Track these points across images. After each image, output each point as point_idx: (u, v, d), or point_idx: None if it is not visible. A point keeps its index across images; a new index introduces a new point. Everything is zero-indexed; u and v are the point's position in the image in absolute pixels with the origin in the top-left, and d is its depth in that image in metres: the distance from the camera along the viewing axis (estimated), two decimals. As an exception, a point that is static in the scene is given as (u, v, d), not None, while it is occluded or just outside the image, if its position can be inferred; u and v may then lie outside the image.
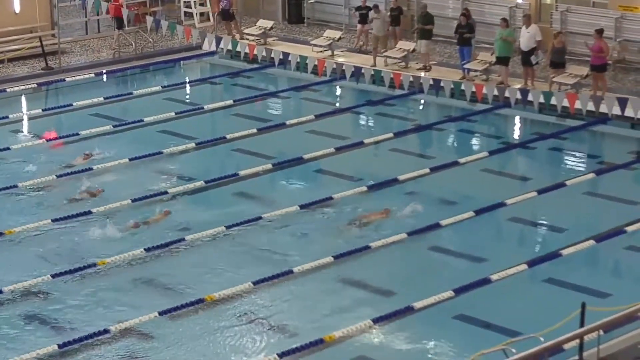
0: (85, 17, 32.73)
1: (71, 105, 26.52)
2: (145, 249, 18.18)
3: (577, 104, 22.19)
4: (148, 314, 15.97)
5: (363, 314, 15.96)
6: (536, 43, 26.20)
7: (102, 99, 26.96)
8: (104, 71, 29.55)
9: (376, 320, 15.72)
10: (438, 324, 15.83)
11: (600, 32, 25.54)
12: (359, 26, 30.28)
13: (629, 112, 21.94)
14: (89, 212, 19.80)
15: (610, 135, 24.19)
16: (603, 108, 22.23)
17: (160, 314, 16.00)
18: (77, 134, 24.28)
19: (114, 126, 24.92)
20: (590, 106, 22.21)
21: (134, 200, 20.35)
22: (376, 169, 22.28)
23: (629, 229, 18.86)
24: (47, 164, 22.60)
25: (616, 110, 22.04)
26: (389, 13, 30.11)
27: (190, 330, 15.76)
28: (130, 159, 22.61)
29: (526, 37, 26.27)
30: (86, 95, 27.22)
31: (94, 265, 17.67)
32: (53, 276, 17.22)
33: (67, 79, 28.63)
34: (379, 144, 23.86)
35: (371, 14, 29.04)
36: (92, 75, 29.12)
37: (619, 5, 27.85)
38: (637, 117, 22.35)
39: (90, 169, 22.06)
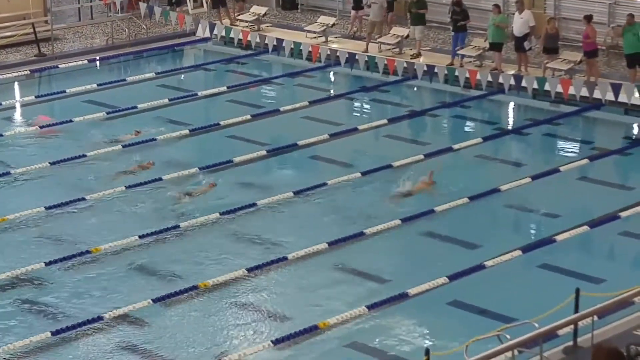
0: (78, 3, 32.61)
1: (64, 92, 26.46)
2: (139, 236, 18.16)
3: (571, 90, 22.21)
4: (142, 301, 15.96)
5: (357, 301, 15.97)
6: (529, 29, 26.17)
7: (95, 85, 26.90)
8: (97, 58, 29.48)
9: (370, 307, 15.72)
10: (432, 310, 15.83)
11: (588, 18, 25.50)
12: (352, 12, 30.23)
13: (622, 98, 21.98)
14: (82, 199, 19.77)
15: (604, 121, 24.20)
16: (596, 94, 22.24)
17: (154, 301, 15.98)
18: (71, 121, 24.22)
19: (107, 113, 24.87)
20: (584, 92, 22.24)
21: (127, 187, 20.29)
22: (370, 155, 22.26)
23: (623, 214, 18.88)
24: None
25: (609, 96, 22.08)
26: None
27: (184, 318, 15.75)
28: (124, 146, 22.56)
29: (519, 23, 26.23)
30: (79, 82, 27.15)
31: (88, 252, 17.65)
32: (47, 263, 17.20)
33: (60, 66, 28.55)
34: (373, 130, 23.83)
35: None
36: (85, 62, 29.05)
37: (613, -9, 27.85)
38: (631, 103, 22.38)
39: (84, 155, 21.97)
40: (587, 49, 25.28)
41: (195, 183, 20.32)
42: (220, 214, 19.12)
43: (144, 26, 30.94)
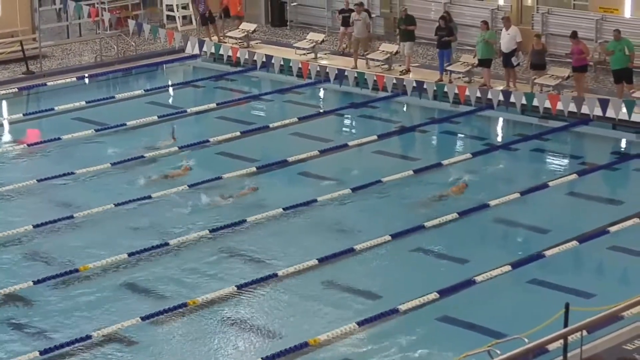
0: (67, 20, 32.61)
1: (53, 109, 26.43)
2: (128, 254, 18.11)
3: (559, 105, 22.24)
4: (130, 319, 15.91)
5: (348, 317, 15.95)
6: (517, 45, 26.26)
7: (84, 103, 26.88)
8: (86, 75, 29.47)
9: (361, 323, 15.70)
10: (423, 326, 15.81)
11: (574, 35, 25.55)
12: (341, 29, 30.28)
13: (610, 113, 22.02)
14: (70, 217, 19.74)
15: (592, 136, 24.25)
16: (584, 109, 22.29)
17: (143, 318, 15.93)
18: (59, 139, 24.19)
19: (96, 130, 24.84)
20: (572, 107, 22.27)
21: (117, 205, 20.26)
22: (360, 171, 22.26)
23: (612, 229, 18.90)
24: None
25: (597, 111, 22.11)
26: (372, 16, 30.19)
27: (173, 335, 15.71)
28: (112, 164, 22.53)
29: (506, 39, 26.32)
30: (68, 99, 27.12)
31: (76, 270, 17.59)
32: (35, 282, 17.14)
33: (48, 83, 28.53)
34: (363, 146, 23.84)
35: (353, 15, 29.03)
36: (74, 79, 29.03)
37: (599, 7, 27.94)
38: (618, 118, 22.43)
39: (72, 172, 21.95)
40: (578, 64, 25.34)
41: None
42: (210, 231, 19.09)
43: (133, 43, 30.95)
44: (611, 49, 24.96)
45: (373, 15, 30.93)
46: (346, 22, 29.92)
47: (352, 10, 29.67)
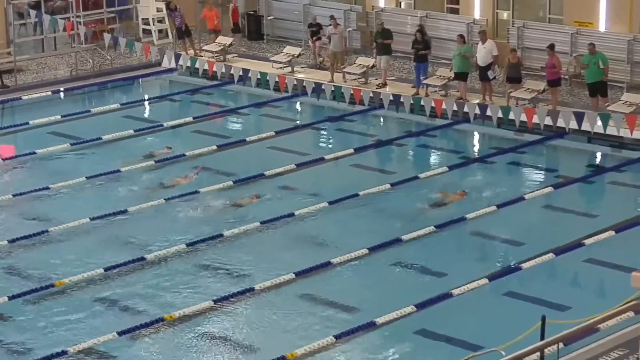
0: (42, 34, 32.51)
1: (28, 123, 26.32)
2: (104, 269, 18.04)
3: (535, 119, 22.34)
4: (107, 334, 15.83)
5: (325, 331, 15.93)
6: (493, 58, 26.38)
7: (59, 117, 26.79)
8: (61, 89, 29.38)
9: (338, 337, 15.69)
10: (400, 339, 15.82)
11: (551, 47, 25.75)
12: (311, 43, 30.43)
13: (585, 127, 22.13)
14: (46, 232, 19.65)
15: (568, 149, 24.36)
16: (560, 122, 22.39)
17: (119, 333, 15.86)
18: (34, 153, 24.10)
19: (72, 144, 24.76)
20: (548, 121, 22.37)
21: (92, 219, 20.19)
22: (337, 185, 22.27)
23: (587, 242, 18.97)
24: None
25: (573, 125, 22.22)
26: (348, 29, 30.27)
27: (150, 350, 15.65)
28: (88, 177, 22.45)
29: (483, 53, 26.43)
30: (43, 113, 27.03)
31: (52, 285, 17.50)
32: (10, 297, 17.04)
33: (23, 97, 28.43)
34: (340, 159, 23.86)
35: (329, 29, 29.09)
36: (49, 93, 28.94)
37: (574, 21, 28.10)
38: (594, 131, 22.55)
39: (47, 187, 21.87)
40: (551, 78, 25.49)
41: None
42: (187, 245, 19.05)
43: (109, 57, 30.89)
44: (586, 63, 25.11)
45: (349, 29, 31.02)
46: (315, 36, 30.00)
47: (320, 25, 29.80)
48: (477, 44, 27.10)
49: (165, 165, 23.43)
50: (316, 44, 30.13)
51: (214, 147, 24.55)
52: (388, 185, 21.92)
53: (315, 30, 30.23)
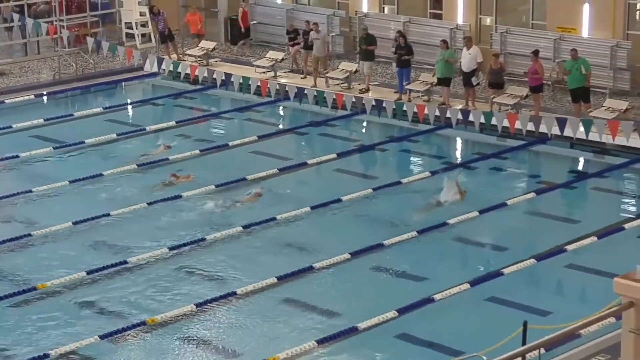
0: (25, 38, 32.44)
1: (11, 127, 26.26)
2: (86, 272, 18.01)
3: (517, 124, 22.40)
4: (89, 337, 15.81)
5: (307, 335, 15.93)
6: (477, 64, 26.44)
7: (42, 120, 26.74)
8: (44, 93, 29.31)
9: (320, 341, 15.69)
10: (382, 344, 15.83)
11: (536, 53, 25.85)
12: (290, 49, 30.53)
13: (567, 132, 22.21)
14: (29, 235, 19.61)
15: (550, 155, 24.44)
16: (542, 128, 22.47)
17: (101, 337, 15.84)
18: (17, 156, 24.04)
19: (55, 148, 24.72)
20: (530, 126, 22.44)
21: (75, 223, 20.15)
22: (320, 190, 22.29)
23: (569, 247, 19.02)
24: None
25: (555, 130, 22.31)
26: (332, 34, 30.32)
27: (132, 354, 15.62)
28: (71, 181, 22.41)
29: (467, 59, 26.49)
30: (26, 117, 26.97)
31: (34, 289, 17.46)
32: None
33: (6, 101, 28.36)
34: (323, 164, 23.88)
35: (312, 34, 29.11)
36: (32, 97, 28.87)
37: (557, 27, 28.21)
38: (576, 137, 22.63)
39: (30, 191, 21.83)
40: (534, 84, 25.58)
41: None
42: (169, 249, 19.03)
43: (92, 61, 30.84)
44: (568, 68, 25.19)
45: (332, 34, 31.07)
46: (293, 42, 30.14)
47: (297, 31, 29.97)
48: (461, 49, 27.18)
49: (148, 170, 23.40)
50: (294, 48, 30.26)
51: (197, 151, 24.53)
52: (370, 190, 21.95)
53: (293, 37, 30.39)
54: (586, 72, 25.02)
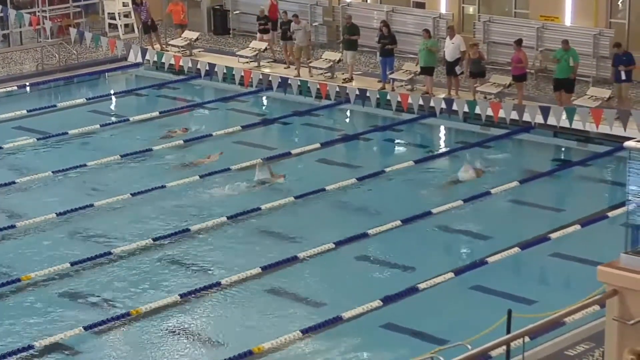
0: (7, 29, 32.29)
1: (-7, 118, 26.20)
2: (70, 263, 17.97)
3: (501, 113, 22.42)
4: (73, 328, 15.78)
5: (292, 325, 15.94)
6: (460, 54, 26.45)
7: (25, 111, 26.64)
8: (27, 84, 29.20)
9: (305, 331, 15.70)
10: (367, 333, 15.85)
11: (519, 42, 25.86)
12: (258, 35, 30.52)
13: (551, 121, 22.24)
14: (12, 226, 19.55)
15: (534, 144, 24.48)
16: (526, 117, 22.49)
17: (86, 328, 15.81)
18: (0, 148, 23.96)
19: (38, 139, 24.64)
20: (514, 115, 22.46)
21: (58, 214, 20.10)
22: (304, 179, 22.28)
23: (553, 236, 19.07)
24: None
25: (539, 119, 22.34)
26: (313, 24, 30.29)
27: (116, 345, 15.60)
28: (54, 172, 22.35)
29: (451, 48, 26.50)
30: (9, 108, 26.88)
31: (18, 280, 17.42)
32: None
33: (-11, 92, 28.27)
34: (306, 154, 23.86)
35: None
36: (15, 88, 28.75)
37: (540, 16, 28.24)
38: (560, 126, 22.67)
39: (13, 182, 21.78)
40: (517, 73, 25.60)
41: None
42: (153, 240, 19.00)
43: (75, 52, 30.73)
44: (558, 57, 25.15)
45: (315, 24, 31.04)
46: (264, 31, 30.31)
47: (267, 18, 30.21)
48: (444, 38, 27.18)
49: (131, 161, 23.35)
50: (263, 37, 30.28)
51: (181, 141, 24.49)
52: (354, 180, 21.95)
53: (264, 22, 30.40)
54: (574, 64, 25.02)
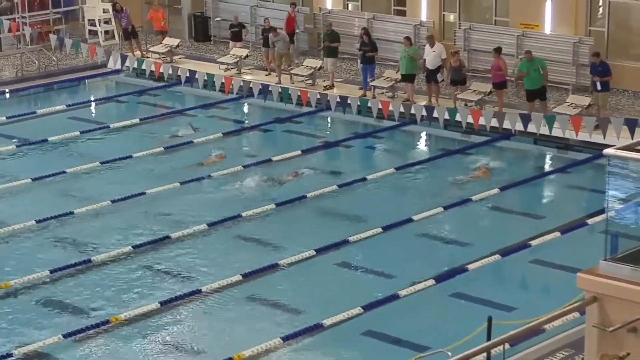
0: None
1: (-27, 125, 26.09)
2: (49, 271, 17.89)
3: (481, 120, 22.48)
4: (52, 336, 15.70)
5: (272, 332, 15.91)
6: (442, 62, 26.51)
7: (4, 118, 26.54)
8: (7, 90, 29.09)
9: (285, 338, 15.68)
10: (347, 340, 15.84)
11: (498, 50, 25.93)
12: (231, 43, 30.52)
13: (531, 128, 22.30)
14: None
15: (514, 151, 24.54)
16: (506, 124, 22.55)
17: (65, 336, 15.74)
18: (-20, 154, 23.91)
19: (17, 146, 24.55)
20: (494, 122, 22.52)
21: (38, 222, 20.01)
22: (284, 187, 22.25)
23: (533, 243, 19.11)
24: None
25: (519, 126, 22.39)
26: (297, 30, 30.33)
27: (96, 353, 15.53)
28: (34, 179, 22.26)
29: (432, 56, 26.54)
30: (-12, 114, 26.80)
31: (-3, 287, 17.36)
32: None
33: (-32, 99, 28.15)
34: (287, 161, 23.84)
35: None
36: (-6, 94, 28.68)
37: (520, 23, 28.33)
38: (540, 133, 22.74)
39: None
40: (497, 80, 25.66)
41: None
42: (133, 247, 18.94)
43: (55, 58, 30.64)
44: (525, 70, 25.16)
45: (297, 31, 31.04)
46: (236, 37, 30.63)
47: (242, 25, 30.64)
48: (424, 45, 27.23)
49: (112, 169, 23.29)
50: (236, 44, 30.31)
51: (161, 148, 24.44)
52: (335, 187, 21.94)
53: (237, 30, 30.46)
54: (543, 71, 25.08)
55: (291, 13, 30.87)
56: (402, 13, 30.58)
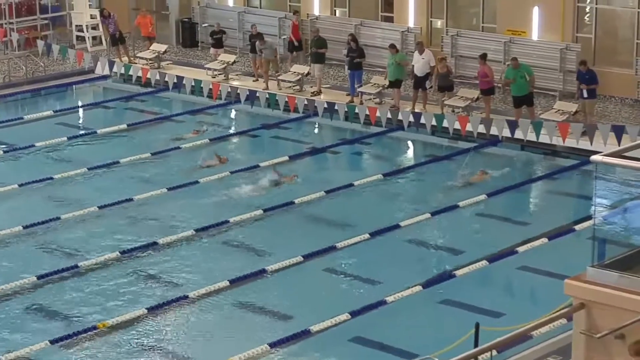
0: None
1: (-41, 130, 26.02)
2: (37, 277, 17.84)
3: (468, 127, 22.52)
4: (39, 342, 15.66)
5: (259, 338, 15.89)
6: (430, 69, 26.54)
7: (-9, 123, 26.52)
8: (-6, 95, 29.06)
9: (273, 345, 15.66)
10: (335, 346, 15.84)
11: (483, 57, 25.98)
12: (212, 50, 30.51)
13: (518, 134, 22.35)
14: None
15: (501, 157, 24.57)
16: (493, 130, 22.59)
17: (52, 342, 15.70)
18: (-33, 160, 23.85)
19: (5, 151, 24.49)
20: (482, 128, 22.56)
21: (25, 227, 19.97)
22: (272, 192, 22.24)
23: (521, 249, 19.13)
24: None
25: (506, 133, 22.44)
26: (283, 37, 30.28)
27: (83, 359, 15.48)
28: (21, 185, 22.22)
29: (421, 63, 26.56)
30: (-25, 120, 26.73)
31: (-16, 293, 17.31)
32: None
33: (-45, 104, 28.07)
34: (275, 167, 23.84)
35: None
36: (-19, 99, 28.61)
37: (507, 30, 28.40)
38: (527, 139, 22.79)
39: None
40: (484, 87, 25.71)
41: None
42: (120, 253, 18.90)
43: (42, 64, 30.59)
44: (511, 77, 25.21)
45: (284, 37, 31.05)
46: (218, 44, 30.64)
47: (223, 31, 30.67)
48: (412, 52, 27.25)
49: (99, 174, 23.25)
50: (217, 51, 30.34)
51: (148, 154, 24.40)
52: (323, 193, 21.95)
53: (219, 37, 30.49)
54: (529, 78, 25.14)
55: (295, 21, 30.79)
56: (389, 19, 30.62)
